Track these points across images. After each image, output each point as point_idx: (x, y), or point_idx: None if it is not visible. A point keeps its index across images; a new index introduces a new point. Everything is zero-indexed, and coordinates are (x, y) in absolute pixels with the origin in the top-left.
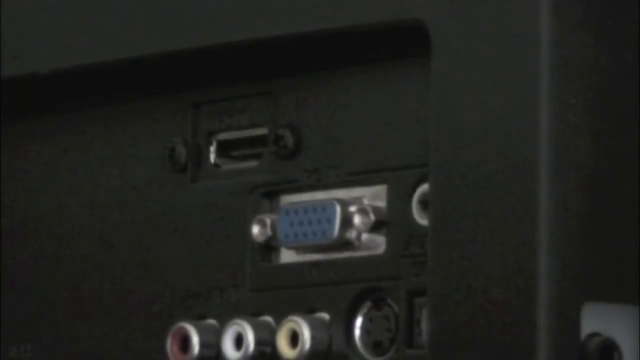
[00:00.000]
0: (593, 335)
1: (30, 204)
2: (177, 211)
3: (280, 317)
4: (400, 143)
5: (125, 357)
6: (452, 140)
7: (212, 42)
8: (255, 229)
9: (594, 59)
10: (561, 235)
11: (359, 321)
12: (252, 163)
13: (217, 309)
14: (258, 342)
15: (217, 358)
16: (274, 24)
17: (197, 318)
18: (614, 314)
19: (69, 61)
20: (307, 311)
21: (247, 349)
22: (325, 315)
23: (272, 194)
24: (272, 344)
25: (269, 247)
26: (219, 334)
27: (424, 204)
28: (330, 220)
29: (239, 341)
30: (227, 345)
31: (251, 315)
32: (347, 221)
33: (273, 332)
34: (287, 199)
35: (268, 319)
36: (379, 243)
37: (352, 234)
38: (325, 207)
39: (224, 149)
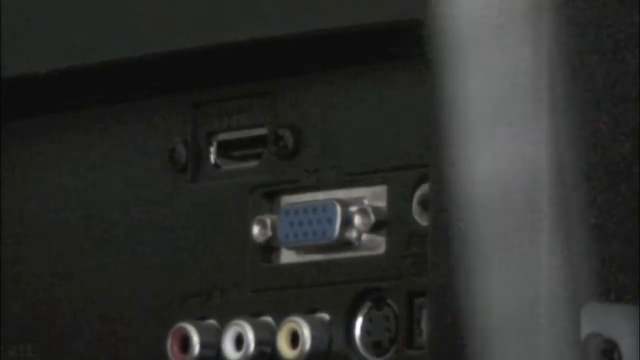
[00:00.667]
0: (593, 335)
1: (30, 204)
2: (177, 211)
3: (280, 317)
4: (400, 143)
5: (125, 357)
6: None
7: (212, 42)
8: (256, 229)
9: (594, 59)
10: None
11: (359, 321)
12: (252, 163)
13: (217, 309)
14: (258, 343)
15: (218, 358)
16: (274, 24)
17: (197, 318)
18: (614, 315)
19: (69, 61)
20: (307, 311)
21: (247, 349)
22: (325, 316)
23: (272, 194)
24: (272, 344)
25: (269, 248)
26: (219, 334)
27: (424, 204)
28: (331, 221)
29: (239, 341)
30: (227, 345)
31: (251, 315)
32: (347, 221)
33: (273, 333)
34: (287, 199)
35: (268, 319)
36: (379, 243)
37: (352, 235)
38: (325, 208)
39: (224, 149)
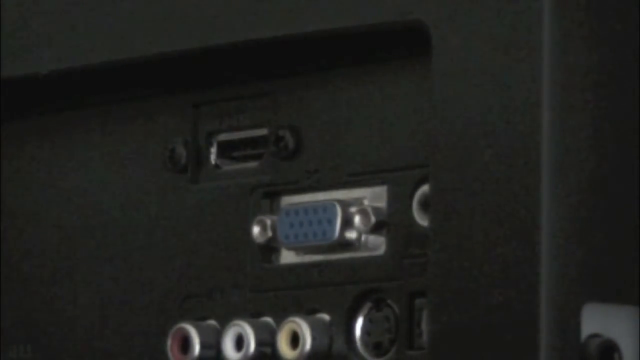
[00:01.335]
0: (593, 336)
1: (30, 203)
2: (178, 212)
3: (280, 318)
4: (401, 144)
5: (125, 357)
6: (452, 140)
7: (212, 42)
8: (256, 230)
9: (594, 59)
10: (561, 236)
11: (359, 322)
12: (253, 164)
13: (217, 309)
14: (258, 343)
15: (218, 359)
16: (274, 24)
17: (197, 319)
18: (614, 315)
19: (69, 61)
20: (307, 312)
21: (247, 349)
22: (325, 316)
23: (272, 195)
24: (273, 345)
25: (270, 248)
26: (219, 334)
27: (425, 204)
28: (331, 221)
29: (239, 342)
30: (228, 346)
31: (251, 316)
32: (347, 222)
33: (273, 333)
34: (288, 200)
35: (268, 319)
36: (379, 244)
37: (352, 235)
38: (325, 208)
39: (225, 149)
